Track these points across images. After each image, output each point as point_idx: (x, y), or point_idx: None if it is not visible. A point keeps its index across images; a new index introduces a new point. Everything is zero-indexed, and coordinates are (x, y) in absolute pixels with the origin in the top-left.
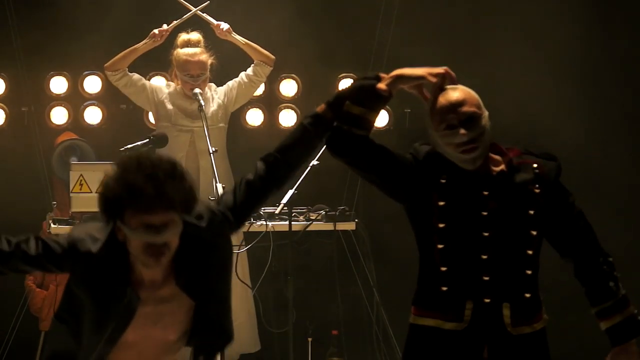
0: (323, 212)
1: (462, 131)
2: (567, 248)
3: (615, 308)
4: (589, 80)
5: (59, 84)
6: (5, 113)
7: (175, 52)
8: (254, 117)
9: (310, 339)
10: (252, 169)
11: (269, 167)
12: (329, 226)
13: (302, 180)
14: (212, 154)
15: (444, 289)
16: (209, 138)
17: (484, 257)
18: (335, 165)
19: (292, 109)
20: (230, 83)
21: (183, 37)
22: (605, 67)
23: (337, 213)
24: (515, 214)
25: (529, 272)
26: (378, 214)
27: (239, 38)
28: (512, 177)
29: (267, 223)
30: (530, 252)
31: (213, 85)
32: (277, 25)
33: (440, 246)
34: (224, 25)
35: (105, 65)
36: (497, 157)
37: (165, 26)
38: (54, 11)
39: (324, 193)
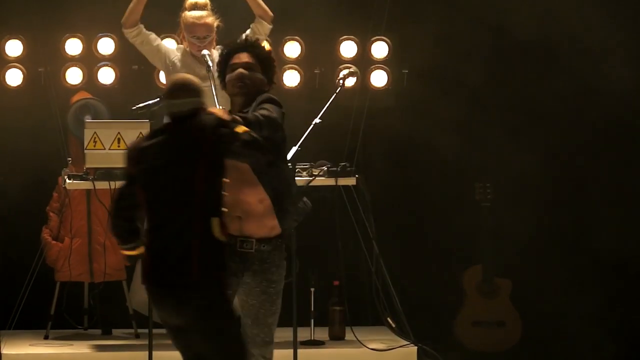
0: (325, 168)
1: None
2: None
3: None
4: None
5: (73, 46)
6: (22, 73)
7: (183, 14)
8: None
9: (313, 289)
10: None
11: None
12: (330, 181)
13: (305, 137)
14: None
15: None
16: (216, 97)
17: None
18: (337, 124)
19: (296, 69)
20: None
21: (190, 0)
22: None
23: (339, 169)
24: None
25: None
26: (377, 170)
27: None
28: None
29: None
30: None
31: (220, 47)
32: None
33: None
34: None
35: (122, 21)
36: None
37: None
38: None
39: (326, 150)
